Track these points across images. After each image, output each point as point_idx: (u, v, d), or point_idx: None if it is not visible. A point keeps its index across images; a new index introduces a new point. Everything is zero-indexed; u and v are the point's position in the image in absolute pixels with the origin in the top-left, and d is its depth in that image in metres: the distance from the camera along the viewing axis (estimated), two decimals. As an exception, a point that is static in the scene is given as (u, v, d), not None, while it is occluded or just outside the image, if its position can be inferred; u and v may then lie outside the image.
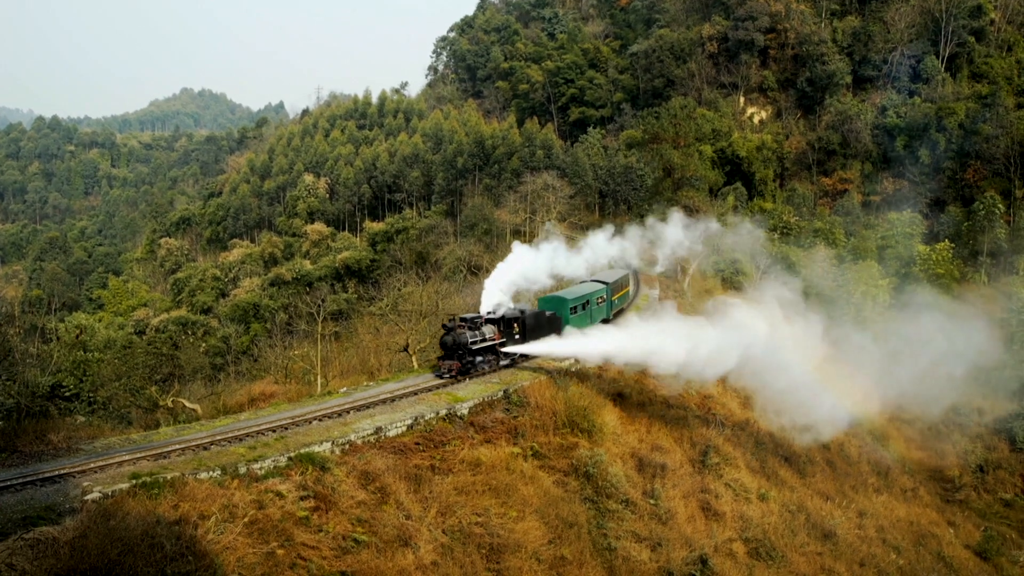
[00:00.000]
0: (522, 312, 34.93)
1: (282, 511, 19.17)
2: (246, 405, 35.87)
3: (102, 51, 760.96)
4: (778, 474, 37.82)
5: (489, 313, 34.25)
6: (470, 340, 31.66)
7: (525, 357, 35.65)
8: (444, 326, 32.57)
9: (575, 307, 39.37)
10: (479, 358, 32.50)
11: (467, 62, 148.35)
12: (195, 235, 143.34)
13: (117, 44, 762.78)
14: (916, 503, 45.13)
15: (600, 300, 43.25)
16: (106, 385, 42.44)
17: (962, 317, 37.47)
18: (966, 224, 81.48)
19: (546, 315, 36.70)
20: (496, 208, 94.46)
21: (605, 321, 43.56)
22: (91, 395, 41.25)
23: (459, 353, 31.54)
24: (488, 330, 33.14)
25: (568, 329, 36.52)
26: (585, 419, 30.41)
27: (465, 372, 31.88)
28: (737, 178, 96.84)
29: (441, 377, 31.68)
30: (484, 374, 32.81)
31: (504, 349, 33.97)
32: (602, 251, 43.47)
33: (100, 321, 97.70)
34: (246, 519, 18.13)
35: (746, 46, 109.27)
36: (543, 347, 34.25)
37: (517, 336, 34.52)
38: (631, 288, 55.73)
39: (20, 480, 18.36)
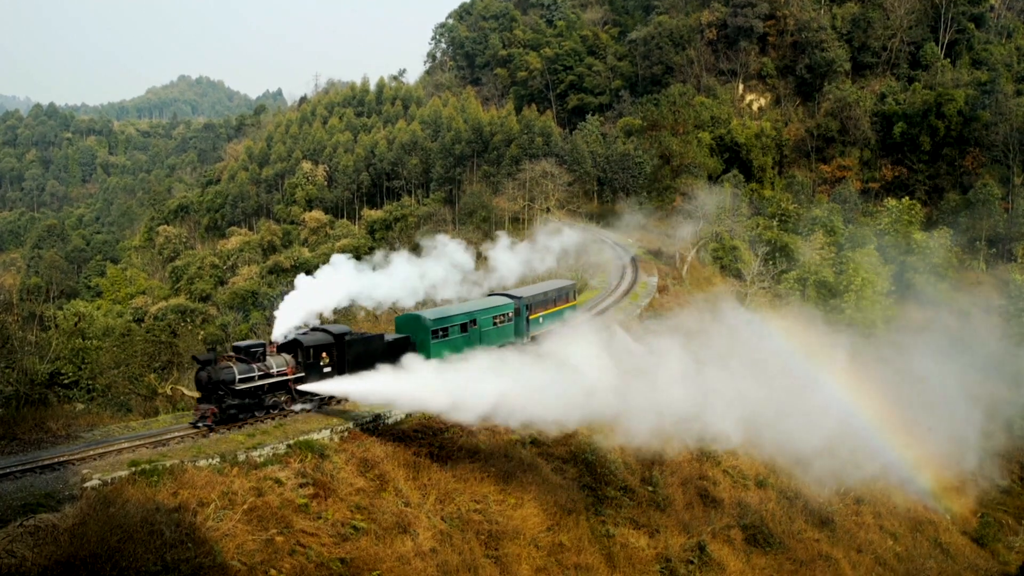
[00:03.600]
0: (338, 336, 25.72)
1: (281, 498, 19.23)
2: (245, 393, 35.74)
3: (99, 38, 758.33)
4: (775, 460, 37.91)
5: (300, 335, 25.48)
6: (238, 376, 22.99)
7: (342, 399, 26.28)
8: (195, 358, 23.82)
9: (442, 329, 30.18)
10: (249, 400, 23.52)
11: (465, 49, 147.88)
12: (193, 223, 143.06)
13: (114, 30, 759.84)
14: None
15: (500, 319, 34.00)
16: (105, 373, 42.36)
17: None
18: (964, 211, 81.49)
19: (385, 340, 27.16)
20: (495, 195, 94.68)
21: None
22: (90, 383, 41.21)
23: (219, 394, 22.71)
24: (276, 362, 24.28)
25: (428, 359, 26.83)
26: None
27: (229, 420, 22.94)
28: (736, 165, 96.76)
29: (195, 427, 22.44)
30: (247, 423, 23.33)
31: (302, 387, 24.93)
32: (402, 275, 30.22)
33: (98, 309, 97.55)
34: (245, 506, 18.18)
35: (745, 33, 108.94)
36: (351, 386, 24.46)
37: (327, 369, 25.48)
38: (577, 302, 44.09)
39: (19, 468, 18.38)
